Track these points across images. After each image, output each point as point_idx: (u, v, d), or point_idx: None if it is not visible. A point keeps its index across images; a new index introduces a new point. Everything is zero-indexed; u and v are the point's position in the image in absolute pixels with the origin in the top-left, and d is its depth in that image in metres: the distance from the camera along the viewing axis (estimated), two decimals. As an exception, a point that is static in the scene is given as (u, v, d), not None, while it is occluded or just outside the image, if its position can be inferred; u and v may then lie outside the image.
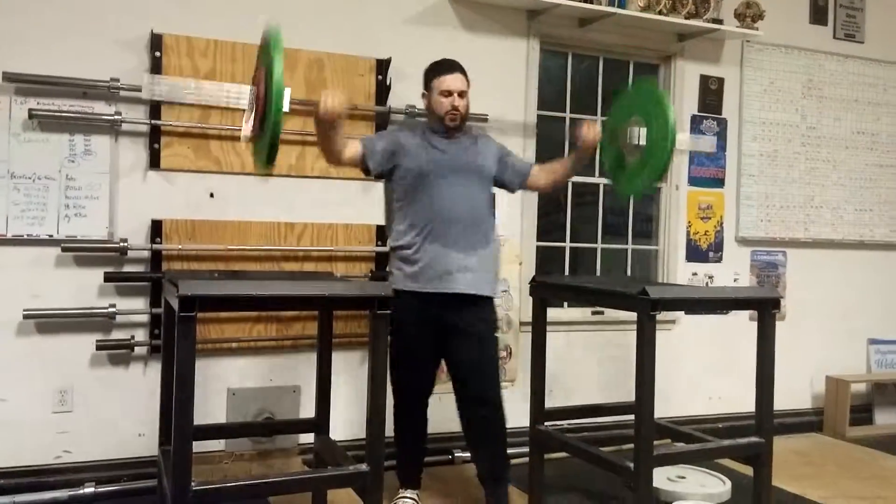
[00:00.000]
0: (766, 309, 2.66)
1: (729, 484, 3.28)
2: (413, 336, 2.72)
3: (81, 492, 2.96)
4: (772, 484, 2.66)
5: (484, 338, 2.78)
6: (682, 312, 4.17)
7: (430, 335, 2.74)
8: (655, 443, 2.51)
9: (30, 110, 2.91)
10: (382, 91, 3.44)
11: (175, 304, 2.03)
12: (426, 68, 2.87)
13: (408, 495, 2.87)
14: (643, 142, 2.72)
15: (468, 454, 3.54)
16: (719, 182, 4.26)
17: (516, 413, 3.09)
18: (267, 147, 2.19)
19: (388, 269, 2.92)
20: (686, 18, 3.88)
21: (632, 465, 2.47)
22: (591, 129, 2.78)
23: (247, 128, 2.32)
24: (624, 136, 2.80)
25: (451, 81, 2.76)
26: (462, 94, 2.77)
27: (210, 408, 3.19)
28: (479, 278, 2.74)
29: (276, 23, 2.22)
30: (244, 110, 2.33)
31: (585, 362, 3.93)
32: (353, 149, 2.69)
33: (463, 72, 2.81)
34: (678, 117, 4.11)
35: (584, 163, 2.95)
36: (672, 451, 2.69)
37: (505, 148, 2.98)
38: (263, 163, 2.25)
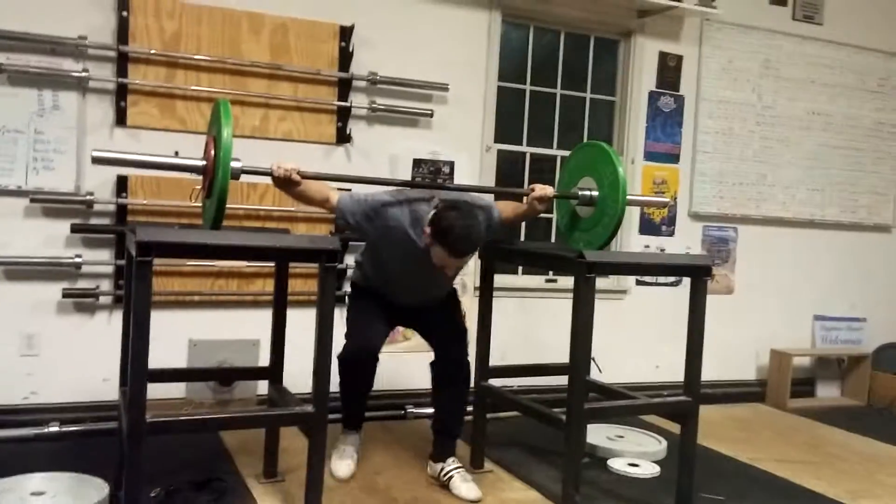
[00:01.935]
0: (698, 276, 2.82)
1: (665, 444, 3.48)
2: (370, 303, 2.91)
3: (47, 430, 3.10)
4: (696, 441, 2.82)
5: (454, 315, 3.03)
6: (633, 284, 4.35)
7: (390, 308, 2.93)
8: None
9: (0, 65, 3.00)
10: (345, 58, 3.54)
11: (133, 250, 2.16)
12: (446, 217, 2.55)
13: (349, 442, 2.99)
14: (596, 195, 2.78)
15: (420, 410, 3.74)
16: (674, 158, 4.41)
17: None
18: (213, 211, 2.26)
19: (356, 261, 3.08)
20: (646, -5, 4.00)
21: (564, 416, 2.64)
22: (544, 195, 2.79)
23: (198, 190, 2.37)
24: (577, 193, 2.83)
25: (455, 262, 2.63)
26: (459, 266, 2.71)
27: (171, 357, 3.31)
28: (438, 299, 2.98)
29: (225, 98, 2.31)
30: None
31: (540, 328, 4.09)
32: (331, 196, 2.70)
33: (475, 251, 2.75)
34: (637, 92, 4.25)
35: (535, 216, 2.96)
36: (602, 406, 2.86)
37: (487, 213, 2.84)
38: (210, 224, 2.30)
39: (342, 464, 2.91)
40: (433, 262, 2.64)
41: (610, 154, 2.77)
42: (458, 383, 2.97)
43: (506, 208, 2.94)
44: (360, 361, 2.87)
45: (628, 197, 2.75)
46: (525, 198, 2.87)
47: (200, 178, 2.40)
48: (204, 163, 2.33)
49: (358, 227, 2.74)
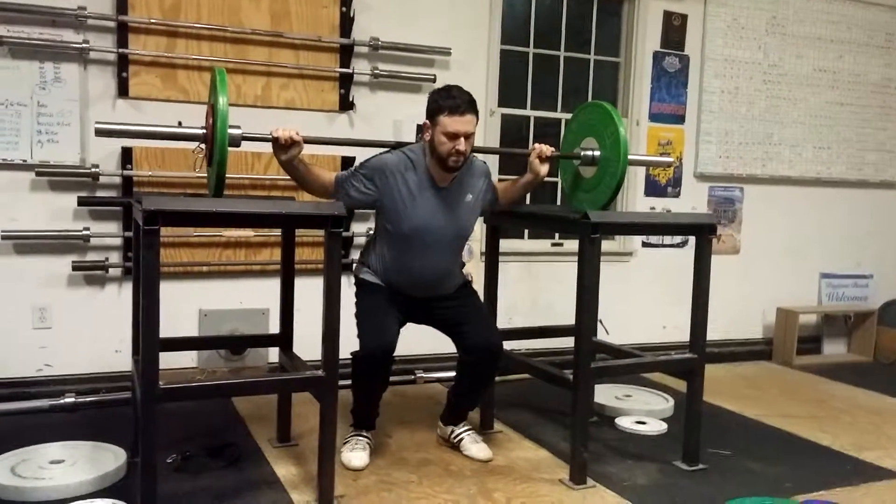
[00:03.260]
0: (702, 234, 2.82)
1: (672, 402, 3.52)
2: (381, 299, 2.75)
3: (62, 401, 3.15)
4: (702, 397, 2.85)
5: (475, 301, 2.89)
6: (639, 246, 4.36)
7: (401, 305, 2.77)
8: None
9: (0, 37, 2.99)
10: (346, 23, 3.52)
11: (140, 220, 2.18)
12: (433, 94, 2.63)
13: (362, 434, 2.83)
14: (598, 155, 2.78)
15: (430, 375, 3.78)
16: (680, 118, 4.38)
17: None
18: (214, 180, 2.28)
19: (360, 257, 2.91)
20: (649, -46, 3.94)
21: (571, 376, 2.67)
22: (542, 151, 2.74)
23: (200, 158, 2.37)
24: (579, 153, 2.83)
25: (460, 124, 2.54)
26: (469, 136, 2.58)
27: (183, 328, 3.36)
28: (451, 284, 2.84)
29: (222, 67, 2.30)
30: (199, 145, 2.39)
31: (546, 292, 4.12)
32: (328, 188, 2.65)
33: (475, 111, 2.60)
34: (641, 52, 4.22)
35: (535, 185, 2.87)
36: (609, 364, 2.89)
37: (491, 184, 2.87)
38: (212, 192, 2.33)
39: (356, 454, 2.73)
40: (441, 154, 2.56)
41: (611, 114, 2.76)
42: (491, 368, 2.84)
43: (501, 184, 2.93)
44: (377, 361, 2.69)
45: (630, 157, 2.75)
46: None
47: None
48: (204, 131, 2.34)
49: (361, 193, 2.65)
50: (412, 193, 2.65)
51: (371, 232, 2.85)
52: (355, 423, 2.87)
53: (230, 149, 2.26)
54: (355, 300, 2.80)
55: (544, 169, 2.76)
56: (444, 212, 2.70)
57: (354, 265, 2.93)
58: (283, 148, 2.47)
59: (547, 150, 2.74)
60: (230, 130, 2.25)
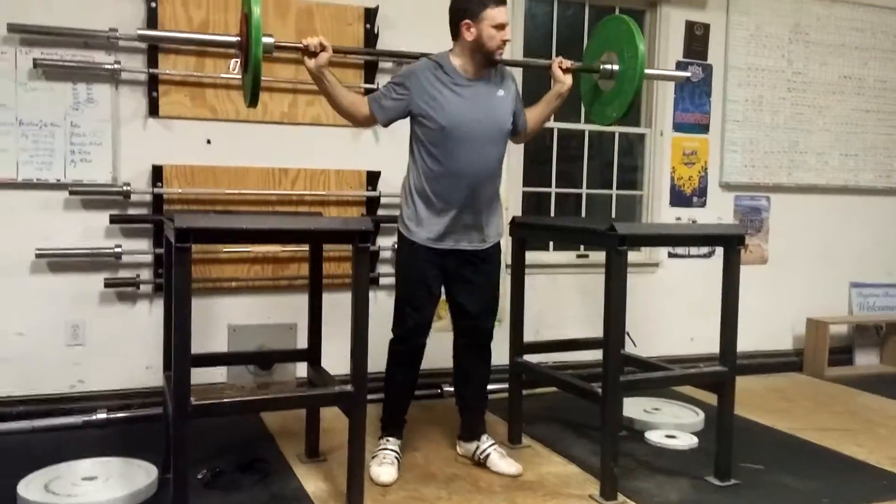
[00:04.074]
0: (731, 245, 2.80)
1: (702, 415, 3.48)
2: (419, 281, 2.78)
3: (95, 417, 3.19)
4: (733, 410, 2.82)
5: (492, 282, 2.91)
6: (666, 256, 4.33)
7: (436, 281, 2.82)
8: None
9: (34, 60, 3.06)
10: (370, 39, 3.55)
11: (172, 237, 2.21)
12: None
13: (390, 446, 2.85)
14: (616, 69, 2.90)
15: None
16: (704, 128, 4.36)
17: (505, 350, 3.18)
18: (250, 85, 2.38)
19: (400, 211, 2.86)
20: (671, -35, 3.94)
21: (600, 390, 2.65)
22: (561, 62, 2.88)
23: (236, 65, 2.52)
24: (598, 67, 2.96)
25: (505, 14, 2.67)
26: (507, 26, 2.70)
27: (212, 343, 3.39)
28: (491, 232, 2.86)
29: None
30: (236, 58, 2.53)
31: (572, 304, 4.10)
32: (362, 107, 2.72)
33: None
34: (664, 63, 4.21)
35: (562, 99, 2.94)
36: (638, 378, 2.86)
37: (519, 92, 2.94)
38: (249, 100, 2.44)
39: (384, 469, 2.74)
40: (490, 47, 2.65)
41: (632, 29, 2.84)
42: (485, 356, 2.95)
43: (527, 109, 2.97)
44: (411, 349, 2.84)
45: (646, 71, 2.86)
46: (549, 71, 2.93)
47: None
48: (238, 38, 2.45)
49: (393, 101, 2.71)
50: (446, 86, 2.70)
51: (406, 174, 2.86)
52: (384, 427, 2.91)
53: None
54: (395, 258, 2.90)
55: (568, 78, 2.87)
56: (478, 103, 2.73)
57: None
58: (313, 54, 2.54)
59: (566, 62, 2.89)
60: (264, 39, 2.34)
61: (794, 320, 4.69)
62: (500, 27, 2.66)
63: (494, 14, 2.64)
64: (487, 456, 2.87)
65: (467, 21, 2.67)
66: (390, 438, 2.88)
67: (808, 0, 4.52)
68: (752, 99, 4.43)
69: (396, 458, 2.82)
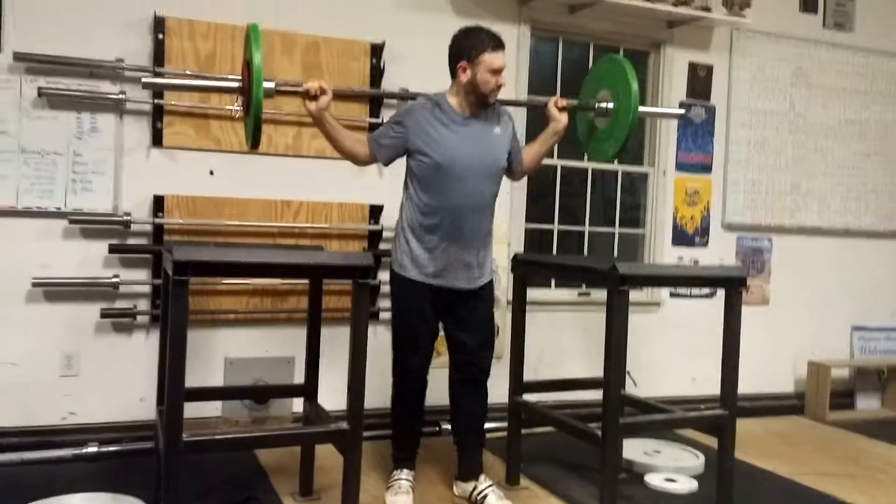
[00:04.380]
0: (732, 287, 2.79)
1: (703, 458, 3.43)
2: (416, 318, 2.78)
3: (85, 451, 3.13)
4: (734, 455, 2.78)
5: (487, 318, 2.90)
6: (667, 296, 4.30)
7: (434, 319, 2.82)
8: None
9: (39, 88, 3.07)
10: (377, 75, 3.57)
11: (170, 269, 2.19)
12: (461, 37, 2.74)
13: (403, 477, 2.87)
14: (611, 107, 2.96)
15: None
16: (706, 168, 4.37)
17: (503, 388, 3.15)
18: (252, 129, 2.40)
19: (392, 247, 2.89)
20: (674, 6, 3.97)
21: (600, 432, 2.61)
22: (556, 100, 2.94)
23: (238, 109, 2.52)
24: (594, 105, 3.02)
25: (501, 60, 2.70)
26: (503, 71, 2.73)
27: (208, 376, 3.35)
28: (484, 271, 2.85)
29: (256, 21, 2.46)
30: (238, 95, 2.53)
31: (573, 342, 4.07)
32: (362, 148, 2.76)
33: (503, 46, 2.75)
34: (668, 103, 4.22)
35: (558, 136, 2.98)
36: (638, 420, 2.83)
37: (516, 131, 2.97)
38: (250, 142, 2.47)
39: (400, 498, 2.78)
40: (484, 91, 2.69)
41: (626, 69, 2.91)
42: (481, 392, 2.92)
43: (524, 148, 3.03)
44: (413, 388, 2.86)
45: (640, 109, 2.93)
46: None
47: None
48: (239, 83, 2.48)
49: (392, 139, 2.74)
50: (442, 124, 2.73)
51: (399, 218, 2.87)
52: (395, 459, 2.92)
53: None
54: (391, 296, 2.88)
55: (564, 116, 2.93)
56: (474, 140, 2.76)
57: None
58: (313, 98, 2.58)
59: (562, 100, 2.95)
60: (265, 84, 2.39)
61: (796, 362, 4.65)
62: (496, 72, 2.69)
63: (491, 59, 2.68)
64: (485, 497, 2.82)
65: (463, 63, 2.71)
66: (404, 469, 2.89)
67: (811, 44, 4.56)
68: (755, 140, 4.45)
69: (411, 487, 2.83)
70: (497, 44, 2.70)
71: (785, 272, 4.59)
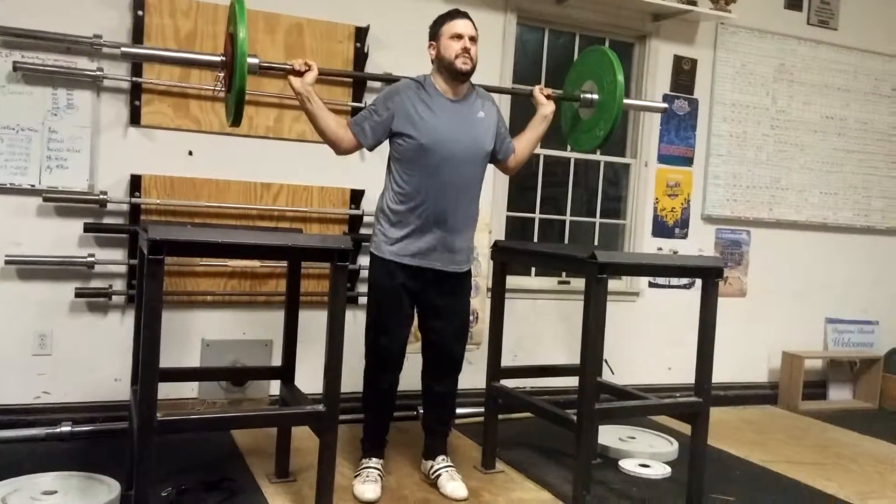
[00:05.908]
0: (709, 277, 2.81)
1: (676, 445, 3.47)
2: (392, 303, 2.77)
3: (58, 430, 3.10)
4: (707, 442, 2.81)
5: (463, 308, 2.89)
6: (646, 286, 4.33)
7: (409, 303, 2.80)
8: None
9: (14, 63, 3.01)
10: (360, 58, 3.55)
11: (145, 248, 2.17)
12: (434, 21, 2.78)
13: (372, 464, 2.84)
14: (596, 98, 2.97)
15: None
16: (688, 161, 4.39)
17: (481, 374, 3.16)
18: (234, 105, 2.36)
19: (372, 231, 2.87)
20: (661, -1, 3.99)
21: (575, 417, 2.63)
22: (541, 88, 2.97)
23: (219, 86, 2.48)
24: (579, 96, 3.04)
25: (463, 26, 2.70)
26: (473, 40, 2.70)
27: (185, 358, 3.33)
28: (464, 256, 2.83)
29: None
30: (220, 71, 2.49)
31: (552, 329, 4.09)
32: (346, 136, 2.71)
33: (472, 21, 2.75)
34: (651, 95, 4.24)
35: (547, 122, 2.97)
36: (613, 406, 2.85)
37: (501, 116, 2.95)
38: (231, 119, 2.43)
39: (368, 486, 2.73)
40: (450, 58, 2.67)
41: (612, 61, 2.90)
42: (453, 379, 2.93)
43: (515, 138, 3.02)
44: (384, 372, 2.84)
45: (625, 101, 2.94)
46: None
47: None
48: (222, 58, 2.43)
49: (375, 122, 2.71)
50: (426, 105, 2.72)
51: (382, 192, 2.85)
52: (365, 448, 2.89)
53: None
54: (368, 279, 2.85)
55: (550, 104, 2.95)
56: (458, 122, 2.74)
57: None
58: (298, 73, 2.57)
59: (547, 90, 2.98)
60: (249, 59, 2.34)
61: (771, 353, 4.71)
62: (458, 37, 2.69)
63: (451, 25, 2.71)
64: (438, 476, 2.84)
65: (431, 42, 2.77)
66: (372, 458, 2.87)
67: (794, 41, 4.59)
68: (737, 134, 4.48)
69: (379, 475, 2.81)
70: (457, 13, 2.74)
71: (762, 265, 4.64)
